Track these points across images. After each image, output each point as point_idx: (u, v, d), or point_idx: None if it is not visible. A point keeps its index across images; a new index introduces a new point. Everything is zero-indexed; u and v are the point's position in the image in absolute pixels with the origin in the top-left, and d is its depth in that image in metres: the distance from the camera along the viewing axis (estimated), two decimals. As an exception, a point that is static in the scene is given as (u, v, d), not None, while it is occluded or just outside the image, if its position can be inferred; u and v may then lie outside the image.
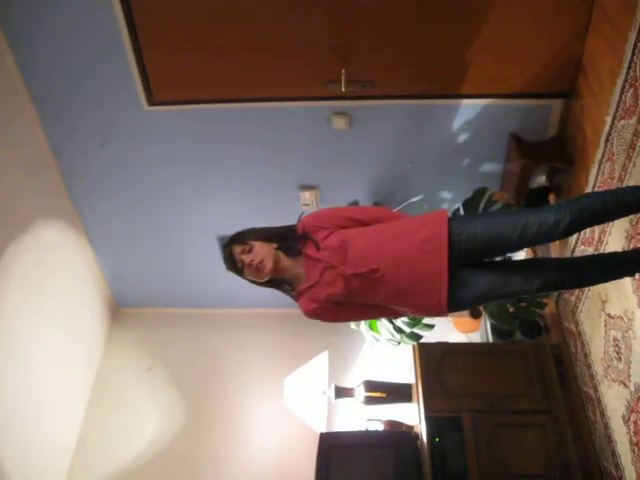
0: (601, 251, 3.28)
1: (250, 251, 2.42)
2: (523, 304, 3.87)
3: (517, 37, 3.41)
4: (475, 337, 4.63)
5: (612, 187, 3.11)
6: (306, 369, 4.28)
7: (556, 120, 3.77)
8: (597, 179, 3.32)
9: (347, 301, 2.43)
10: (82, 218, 4.54)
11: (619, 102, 3.03)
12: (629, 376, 3.00)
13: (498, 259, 2.99)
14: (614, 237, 3.13)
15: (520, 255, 3.91)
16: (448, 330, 4.50)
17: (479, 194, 3.71)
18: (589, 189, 3.40)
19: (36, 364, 4.05)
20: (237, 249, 2.43)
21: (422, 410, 3.64)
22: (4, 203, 3.71)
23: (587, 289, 3.52)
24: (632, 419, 2.99)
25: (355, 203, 4.04)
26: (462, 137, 3.91)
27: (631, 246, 2.93)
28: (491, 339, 4.28)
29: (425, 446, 3.52)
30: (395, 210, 3.61)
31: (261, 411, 4.59)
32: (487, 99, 3.71)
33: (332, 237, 2.42)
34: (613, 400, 3.21)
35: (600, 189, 3.27)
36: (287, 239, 2.48)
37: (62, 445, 4.40)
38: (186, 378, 4.82)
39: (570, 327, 3.83)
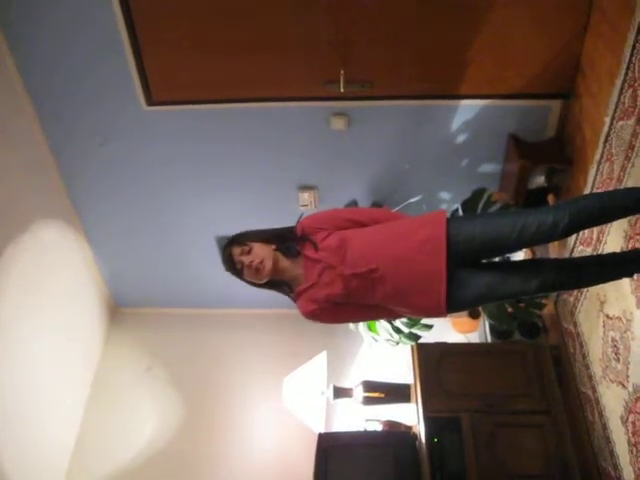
0: (600, 251, 3.29)
1: (249, 252, 2.42)
2: (522, 305, 3.87)
3: (516, 37, 3.41)
4: (474, 337, 4.63)
5: (611, 188, 3.11)
6: (305, 369, 4.28)
7: (555, 121, 3.77)
8: (596, 180, 3.32)
9: (346, 302, 2.43)
10: (81, 218, 4.54)
11: (618, 103, 3.03)
12: (627, 377, 3.01)
13: (497, 259, 2.99)
14: (613, 237, 3.14)
15: (519, 256, 3.92)
16: (447, 330, 4.50)
17: (478, 195, 3.71)
18: (588, 190, 3.41)
19: (35, 364, 4.05)
20: (236, 250, 2.44)
21: (421, 410, 3.64)
22: (3, 203, 3.71)
23: (586, 290, 3.52)
24: (630, 420, 2.99)
25: (354, 203, 4.05)
26: (461, 137, 3.91)
27: (630, 246, 2.93)
28: (490, 339, 4.28)
29: (424, 446, 3.52)
30: (394, 211, 3.62)
31: (260, 411, 4.59)
32: (486, 100, 3.71)
33: (331, 238, 2.42)
34: (611, 401, 3.21)
35: (599, 190, 3.27)
36: (286, 240, 2.49)
37: (61, 445, 4.40)
38: (185, 378, 4.82)
39: (569, 328, 3.83)
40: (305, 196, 4.22)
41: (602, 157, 3.24)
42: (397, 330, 3.81)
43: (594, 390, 3.44)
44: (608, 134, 3.15)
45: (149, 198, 4.38)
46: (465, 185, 3.88)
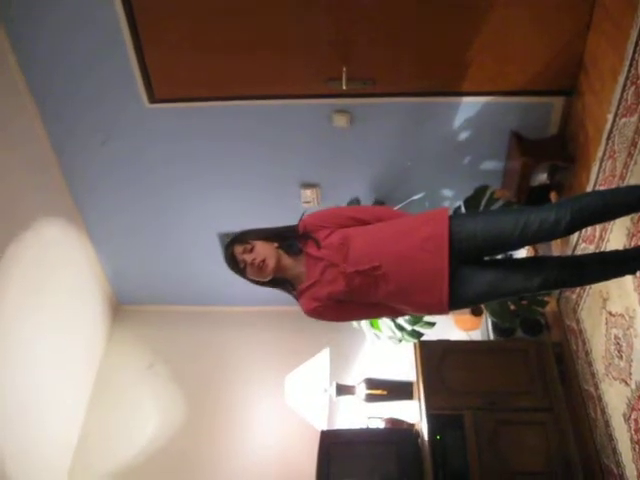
0: (602, 249, 3.28)
1: (252, 250, 2.42)
2: (524, 302, 3.87)
3: (518, 35, 3.40)
4: (476, 335, 4.63)
5: (613, 185, 3.11)
6: (307, 367, 4.28)
7: (557, 118, 3.76)
8: (598, 177, 3.31)
9: (348, 299, 2.43)
10: (83, 216, 4.54)
11: (620, 100, 3.02)
12: (630, 374, 3.00)
13: (499, 257, 2.99)
14: (615, 235, 3.13)
15: (521, 253, 3.91)
16: (449, 328, 4.51)
17: (480, 192, 3.71)
18: (590, 187, 3.40)
19: (37, 362, 4.05)
20: (239, 249, 2.44)
21: (423, 408, 3.64)
22: (5, 201, 3.71)
23: (588, 287, 3.52)
24: (633, 417, 2.99)
25: (356, 200, 4.05)
26: (463, 135, 3.91)
27: (632, 244, 2.92)
28: (492, 337, 4.28)
29: (426, 444, 3.52)
30: (396, 208, 3.62)
31: (262, 408, 4.59)
32: (488, 97, 3.70)
33: (333, 236, 2.42)
34: (614, 398, 3.21)
35: (601, 187, 3.27)
36: (288, 238, 2.49)
37: (63, 443, 4.40)
38: (187, 375, 4.82)
39: (571, 325, 3.83)
40: (307, 193, 4.22)
41: (605, 154, 3.23)
42: (400, 327, 3.82)
43: (597, 387, 3.44)
44: (611, 131, 3.15)
45: (151, 195, 4.38)
46: (467, 182, 3.87)
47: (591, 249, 3.43)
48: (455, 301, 2.37)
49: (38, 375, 4.06)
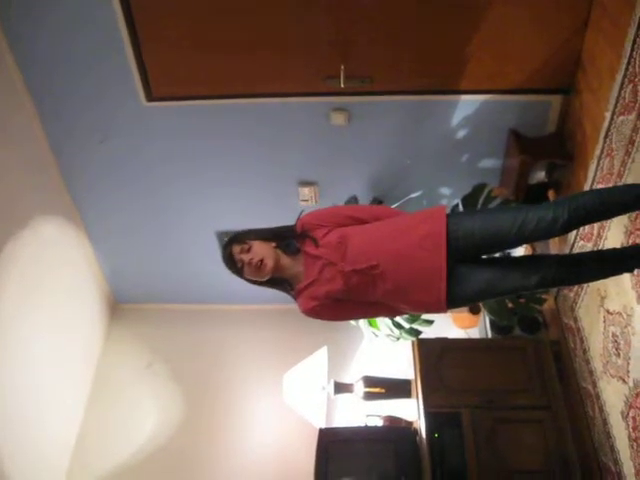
0: (600, 247, 3.29)
1: (249, 250, 2.42)
2: (522, 300, 3.87)
3: (516, 33, 3.40)
4: (474, 333, 4.63)
5: (611, 183, 3.11)
6: (305, 365, 4.29)
7: (555, 116, 3.77)
8: (596, 175, 3.32)
9: (346, 298, 2.43)
10: (81, 214, 4.54)
11: (618, 98, 3.03)
12: (628, 372, 3.01)
13: (497, 255, 2.99)
14: (613, 233, 3.13)
15: (519, 251, 3.92)
16: (447, 326, 4.51)
17: (478, 190, 3.71)
18: (588, 185, 3.40)
19: (35, 361, 4.05)
20: (236, 249, 2.43)
21: (421, 406, 3.64)
22: (4, 200, 3.71)
23: (586, 285, 3.52)
24: (631, 415, 2.99)
25: (354, 199, 4.05)
26: (461, 133, 3.91)
27: (630, 242, 2.93)
28: (490, 335, 4.28)
29: (424, 442, 3.53)
30: (394, 206, 3.62)
31: (261, 406, 4.60)
32: (486, 95, 3.71)
33: (331, 235, 2.42)
34: (612, 396, 3.21)
35: (599, 185, 3.27)
36: (286, 237, 2.49)
37: (62, 443, 4.40)
38: (186, 374, 4.83)
39: (569, 323, 3.83)
40: (305, 191, 4.22)
41: (602, 152, 3.23)
42: (398, 325, 3.82)
43: (594, 385, 3.44)
44: (608, 129, 3.15)
45: (149, 194, 4.38)
46: (465, 180, 3.88)
47: (589, 247, 3.44)
48: (453, 299, 2.37)
49: (36, 374, 4.05)
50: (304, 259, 2.45)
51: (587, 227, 3.43)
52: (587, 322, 3.55)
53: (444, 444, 3.51)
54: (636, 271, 2.70)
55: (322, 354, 4.26)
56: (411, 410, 3.92)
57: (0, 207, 3.69)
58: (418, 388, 3.73)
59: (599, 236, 3.30)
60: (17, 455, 3.80)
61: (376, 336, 4.02)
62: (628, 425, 3.02)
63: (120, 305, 5.28)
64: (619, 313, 3.09)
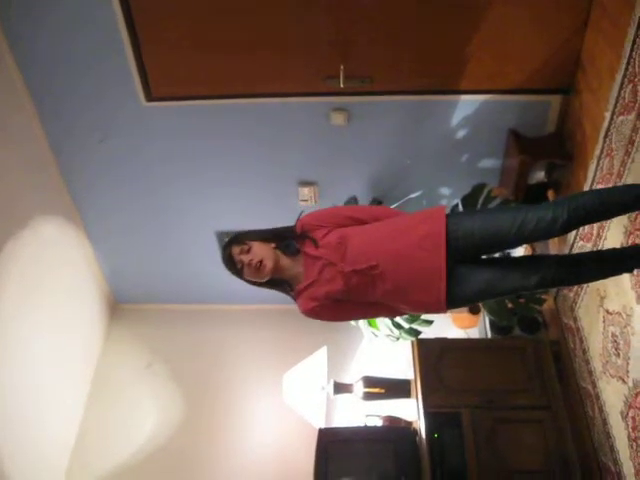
0: (600, 247, 3.29)
1: (249, 251, 2.41)
2: (522, 300, 3.87)
3: (516, 33, 3.40)
4: (474, 333, 4.63)
5: (611, 183, 3.11)
6: (305, 365, 4.29)
7: (555, 116, 3.77)
8: (596, 175, 3.32)
9: (346, 299, 2.43)
10: (81, 214, 4.54)
11: (618, 98, 3.03)
12: (627, 372, 3.01)
13: (496, 255, 2.99)
14: (613, 233, 3.13)
15: (519, 252, 3.92)
16: (447, 326, 4.51)
17: (478, 190, 3.72)
18: (588, 185, 3.40)
19: (35, 361, 4.05)
20: (236, 250, 2.43)
21: (421, 406, 3.64)
22: (4, 199, 3.71)
23: (586, 285, 3.52)
24: (630, 415, 2.99)
25: (354, 199, 4.05)
26: (461, 133, 3.91)
27: (630, 242, 2.93)
28: (490, 335, 4.28)
29: (424, 442, 3.53)
30: (393, 206, 3.62)
31: (260, 406, 4.60)
32: (486, 95, 3.71)
33: (331, 235, 2.42)
34: (611, 396, 3.21)
35: (599, 185, 3.27)
36: (285, 238, 2.49)
37: (61, 442, 4.41)
38: (185, 374, 4.83)
39: (569, 323, 3.83)
40: (305, 191, 4.22)
41: (602, 152, 3.23)
42: (397, 326, 3.82)
43: (594, 385, 3.44)
44: (608, 129, 3.15)
45: (149, 194, 4.38)
46: (465, 180, 3.88)
47: (588, 247, 3.44)
48: (453, 300, 2.37)
49: (36, 374, 4.05)
50: (304, 260, 2.45)
51: (587, 227, 3.43)
52: (587, 322, 3.55)
53: (444, 444, 3.51)
54: (635, 271, 2.70)
55: (322, 354, 4.26)
56: (411, 410, 3.92)
57: (0, 207, 3.69)
58: (418, 388, 3.73)
59: (599, 236, 3.30)
60: (17, 455, 3.81)
61: (376, 336, 4.02)
62: (628, 425, 3.02)
63: (120, 305, 5.28)
64: (618, 313, 3.09)
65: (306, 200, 4.25)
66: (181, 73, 3.66)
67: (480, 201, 3.69)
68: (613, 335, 3.16)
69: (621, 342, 3.07)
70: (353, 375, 4.39)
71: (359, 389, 4.09)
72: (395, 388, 4.08)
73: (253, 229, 2.53)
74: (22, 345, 3.93)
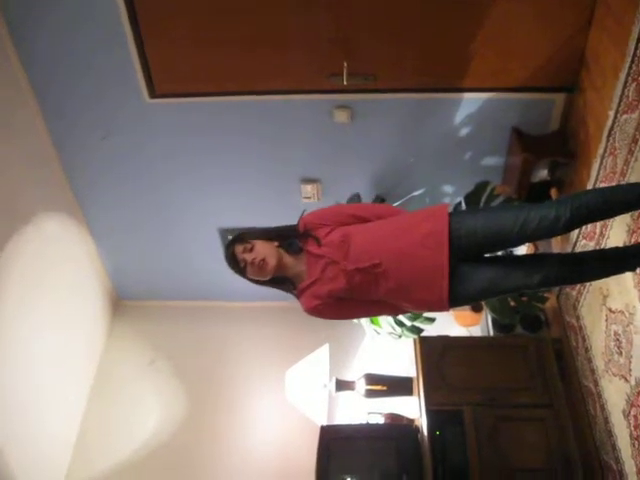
0: (602, 245, 3.28)
1: (252, 250, 2.41)
2: (524, 298, 3.87)
3: (520, 31, 3.40)
4: (476, 331, 4.63)
5: (614, 182, 3.10)
6: (307, 362, 4.29)
7: (558, 114, 3.76)
8: (599, 173, 3.31)
9: (349, 297, 2.43)
10: (84, 211, 4.54)
11: (622, 96, 3.02)
12: (630, 370, 3.01)
13: (499, 254, 2.99)
14: (615, 231, 3.13)
15: (521, 250, 3.91)
16: (449, 324, 4.50)
17: (481, 188, 3.71)
18: (591, 183, 3.40)
19: (37, 357, 4.05)
20: (239, 248, 2.43)
21: (423, 403, 3.64)
22: (6, 195, 3.71)
23: (588, 283, 3.52)
24: (632, 413, 2.99)
25: (357, 196, 4.04)
26: (464, 131, 3.90)
27: (632, 241, 2.92)
28: (492, 333, 4.28)
29: (426, 439, 3.53)
30: (396, 204, 3.62)
31: (262, 404, 4.60)
32: (489, 93, 3.70)
33: (334, 233, 2.42)
34: (614, 394, 3.21)
35: (602, 184, 3.27)
36: (288, 237, 2.49)
37: (63, 439, 4.41)
38: (188, 371, 4.83)
39: (571, 321, 3.83)
40: (308, 189, 4.22)
41: (605, 151, 3.23)
42: (400, 323, 3.82)
43: (596, 384, 3.44)
44: (612, 128, 3.14)
45: (152, 190, 4.38)
46: (468, 178, 3.87)
47: (591, 246, 3.43)
48: (455, 298, 2.37)
49: (38, 371, 4.06)
50: (306, 258, 2.45)
51: (589, 226, 3.43)
52: (589, 320, 3.55)
53: (446, 442, 3.51)
54: (638, 270, 2.70)
55: (324, 352, 4.27)
56: (413, 408, 3.92)
57: (3, 202, 3.70)
58: (420, 386, 3.73)
59: (601, 235, 3.30)
60: (18, 452, 3.80)
61: (378, 334, 4.02)
62: (630, 423, 3.02)
63: (122, 302, 5.28)
64: (621, 312, 3.09)
65: (309, 197, 4.25)
66: (184, 70, 3.66)
67: (483, 199, 3.69)
68: (616, 333, 3.16)
69: (623, 340, 3.07)
70: (355, 372, 4.39)
71: (361, 386, 4.09)
72: (397, 386, 4.08)
73: (256, 227, 2.53)
74: (24, 342, 3.93)
